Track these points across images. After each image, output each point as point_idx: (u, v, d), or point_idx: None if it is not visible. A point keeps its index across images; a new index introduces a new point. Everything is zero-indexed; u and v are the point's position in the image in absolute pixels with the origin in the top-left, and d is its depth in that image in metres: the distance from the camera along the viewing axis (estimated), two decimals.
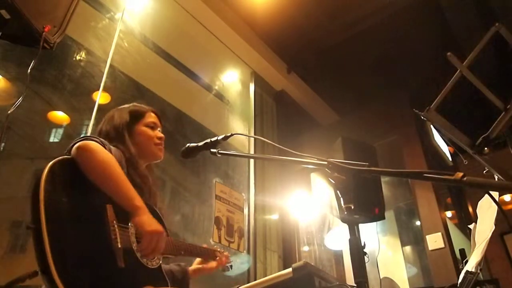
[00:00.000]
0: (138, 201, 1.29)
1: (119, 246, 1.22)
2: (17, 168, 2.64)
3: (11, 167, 2.57)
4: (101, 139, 1.40)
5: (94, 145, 1.31)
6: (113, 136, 1.57)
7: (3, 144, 1.96)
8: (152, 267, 1.36)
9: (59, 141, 3.24)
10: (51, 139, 3.20)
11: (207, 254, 1.77)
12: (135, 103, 1.74)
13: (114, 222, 1.25)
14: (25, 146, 2.79)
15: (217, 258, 1.79)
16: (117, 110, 1.69)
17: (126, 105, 1.72)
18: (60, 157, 1.27)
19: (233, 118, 4.41)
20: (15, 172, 2.59)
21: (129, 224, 1.32)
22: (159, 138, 1.66)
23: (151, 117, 1.69)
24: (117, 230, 1.24)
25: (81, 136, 1.38)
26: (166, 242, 1.38)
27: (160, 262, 1.42)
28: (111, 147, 1.44)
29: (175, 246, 1.56)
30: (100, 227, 1.22)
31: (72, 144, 1.34)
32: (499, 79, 4.26)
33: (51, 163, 1.21)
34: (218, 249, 1.85)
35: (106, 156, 1.31)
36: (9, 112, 1.57)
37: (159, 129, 1.70)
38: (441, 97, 1.68)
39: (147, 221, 1.27)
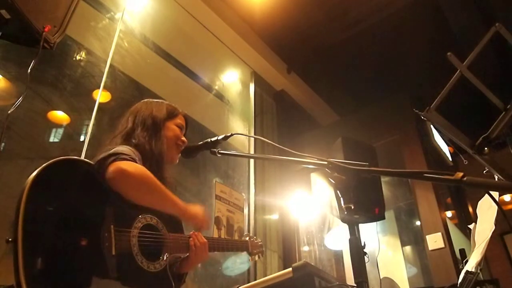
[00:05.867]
0: (181, 204, 1.39)
1: (113, 253, 1.16)
2: (17, 168, 2.63)
3: (11, 167, 2.56)
4: (130, 154, 1.34)
5: (127, 165, 1.26)
6: (150, 125, 1.56)
7: (3, 144, 1.96)
8: (155, 270, 1.29)
9: (59, 141, 3.24)
10: (51, 139, 3.19)
11: (239, 247, 1.74)
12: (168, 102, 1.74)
13: (112, 227, 1.20)
14: (25, 146, 2.79)
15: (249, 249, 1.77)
16: (153, 102, 1.68)
17: (159, 100, 1.72)
18: (56, 160, 1.18)
19: (233, 118, 4.41)
20: (15, 172, 2.58)
21: (133, 226, 1.28)
22: (182, 141, 1.66)
23: (182, 120, 1.70)
24: (112, 236, 1.18)
25: (110, 153, 1.29)
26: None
27: (167, 263, 1.34)
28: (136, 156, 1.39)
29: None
30: (92, 234, 1.15)
31: (100, 160, 1.27)
32: (499, 79, 4.26)
33: (40, 168, 1.13)
34: (249, 238, 1.79)
35: (143, 174, 1.29)
36: (9, 112, 1.56)
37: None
38: (441, 97, 1.68)
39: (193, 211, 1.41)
